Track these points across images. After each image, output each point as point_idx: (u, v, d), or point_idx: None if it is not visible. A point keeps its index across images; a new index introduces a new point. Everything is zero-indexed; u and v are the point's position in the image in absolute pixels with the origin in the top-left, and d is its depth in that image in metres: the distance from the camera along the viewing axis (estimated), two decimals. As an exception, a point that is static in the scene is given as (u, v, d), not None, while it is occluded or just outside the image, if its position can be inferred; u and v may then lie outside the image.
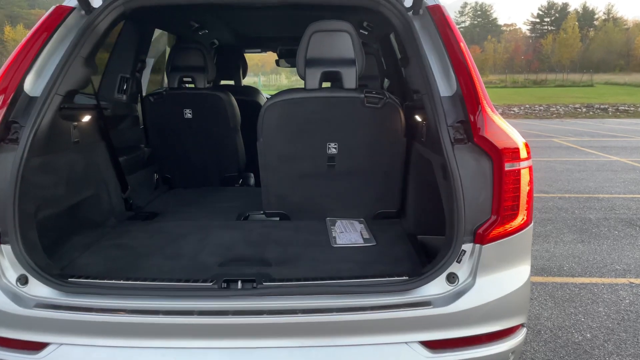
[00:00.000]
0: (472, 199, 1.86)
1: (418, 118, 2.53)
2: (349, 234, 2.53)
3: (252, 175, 4.11)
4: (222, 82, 5.16)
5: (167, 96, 3.52)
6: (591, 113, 23.90)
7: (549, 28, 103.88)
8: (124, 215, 2.89)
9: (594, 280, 4.04)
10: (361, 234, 2.53)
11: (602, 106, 26.20)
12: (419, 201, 2.60)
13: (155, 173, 3.58)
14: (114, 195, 2.82)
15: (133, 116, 3.42)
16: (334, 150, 2.62)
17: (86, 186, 2.57)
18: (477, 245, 1.88)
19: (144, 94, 3.65)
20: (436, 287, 1.89)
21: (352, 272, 2.04)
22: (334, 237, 2.48)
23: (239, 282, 1.89)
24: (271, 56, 5.74)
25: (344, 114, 2.56)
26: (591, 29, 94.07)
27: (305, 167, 2.67)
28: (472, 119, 1.88)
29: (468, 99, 1.91)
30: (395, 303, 1.85)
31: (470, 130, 1.88)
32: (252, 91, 5.11)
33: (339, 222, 2.72)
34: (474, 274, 1.90)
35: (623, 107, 25.63)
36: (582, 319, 3.37)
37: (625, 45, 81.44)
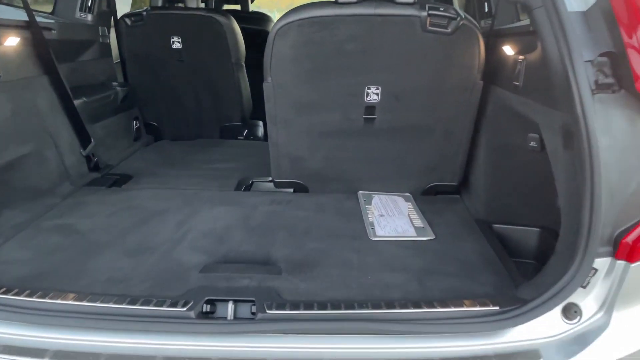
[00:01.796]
0: (618, 185, 1.14)
1: (508, 51, 1.74)
2: (392, 218, 1.83)
3: (260, 124, 3.37)
4: (226, 8, 4.33)
5: (149, 18, 2.75)
6: None
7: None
8: (84, 179, 2.21)
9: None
10: (410, 220, 1.82)
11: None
12: (496, 174, 1.86)
13: (134, 120, 2.86)
14: (66, 151, 2.13)
15: (101, 44, 2.66)
16: (374, 97, 1.86)
17: (17, 140, 1.87)
18: (620, 263, 1.19)
19: (119, 14, 2.88)
20: (545, 325, 1.23)
21: (408, 293, 1.36)
22: (372, 224, 1.78)
23: (230, 307, 1.23)
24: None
25: (394, 42, 1.78)
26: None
27: (332, 120, 1.92)
28: (630, 52, 1.12)
29: (623, 17, 1.14)
30: (481, 353, 1.19)
31: (624, 70, 1.12)
32: (262, 18, 4.26)
33: (376, 199, 2.01)
34: (608, 306, 1.22)
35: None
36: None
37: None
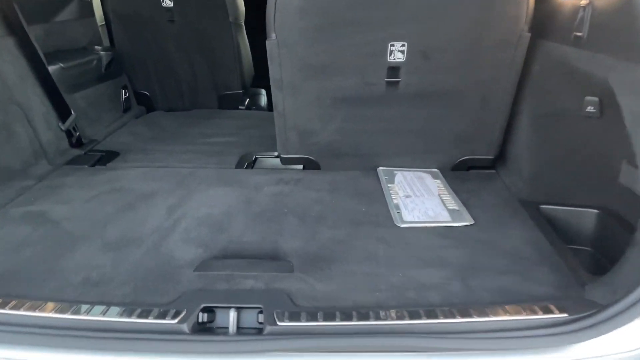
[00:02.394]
0: None
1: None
2: (421, 200, 1.57)
3: (263, 93, 3.09)
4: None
5: (135, -28, 2.45)
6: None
7: None
8: (65, 157, 1.95)
9: None
10: (442, 201, 1.56)
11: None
12: (542, 145, 1.60)
13: (122, 89, 2.58)
14: (41, 126, 1.86)
15: (81, 2, 2.36)
16: (399, 55, 1.58)
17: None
18: None
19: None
20: (628, 338, 0.98)
21: (450, 295, 1.11)
22: (397, 206, 1.53)
23: (232, 315, 1.00)
24: None
25: None
26: None
27: (347, 85, 1.65)
28: None
29: None
30: None
31: None
32: None
33: (399, 176, 1.76)
34: None
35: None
36: None
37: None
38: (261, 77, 3.79)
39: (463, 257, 1.26)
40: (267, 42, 1.60)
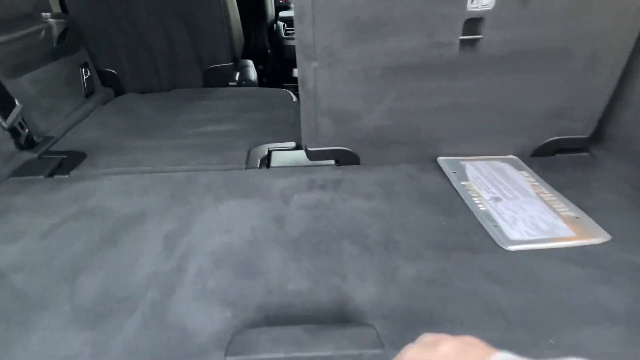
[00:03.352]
0: None
1: None
2: (517, 204, 1.15)
3: (250, 64, 2.60)
4: None
5: None
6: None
7: None
8: (10, 164, 1.46)
9: None
10: (547, 204, 1.15)
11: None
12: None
13: (82, 67, 2.06)
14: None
15: (17, -47, 1.82)
16: (485, 1, 1.13)
17: None
18: None
19: None
20: None
21: None
22: (490, 216, 1.10)
23: None
24: None
25: None
26: None
27: (407, 47, 1.18)
28: None
29: None
30: None
31: None
32: None
33: (471, 168, 1.33)
34: None
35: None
36: None
37: None
38: (253, 43, 3.28)
39: (626, 297, 0.85)
40: None
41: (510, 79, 1.24)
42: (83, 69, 2.04)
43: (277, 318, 0.86)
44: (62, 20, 1.89)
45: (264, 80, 3.14)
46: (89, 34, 2.12)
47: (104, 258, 1.02)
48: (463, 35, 1.15)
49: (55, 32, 1.84)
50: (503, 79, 1.24)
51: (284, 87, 2.24)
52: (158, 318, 0.86)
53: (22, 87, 1.62)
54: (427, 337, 0.54)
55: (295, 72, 3.32)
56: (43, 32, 1.77)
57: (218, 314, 0.86)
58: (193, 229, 1.11)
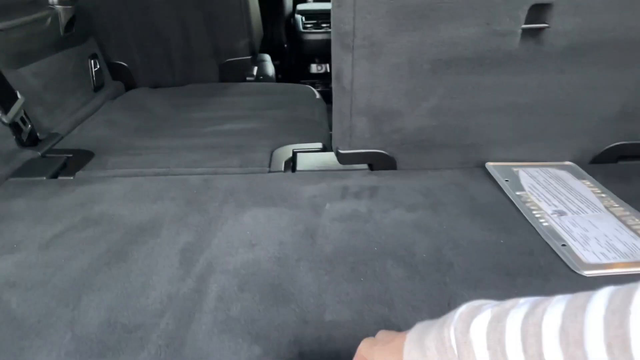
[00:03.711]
0: None
1: None
2: (584, 218, 1.00)
3: (268, 59, 2.46)
4: None
5: None
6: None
7: None
8: (11, 163, 1.33)
9: None
10: (620, 220, 1.00)
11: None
12: None
13: (91, 59, 1.93)
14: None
15: None
16: None
17: None
18: None
19: None
20: None
21: None
22: (554, 233, 0.96)
23: None
24: None
25: None
26: None
27: (463, 35, 1.03)
28: None
29: None
30: None
31: None
32: None
33: (525, 176, 1.18)
34: None
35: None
36: None
37: None
38: (270, 37, 3.13)
39: None
40: None
41: (575, 76, 1.09)
42: (92, 61, 1.92)
43: (313, 355, 0.73)
44: (70, 7, 1.76)
45: (280, 76, 3.01)
46: (98, 22, 2.00)
47: (111, 276, 0.89)
48: (525, 24, 1.01)
49: (62, 19, 1.71)
50: (566, 75, 1.09)
51: (302, 84, 2.12)
52: (174, 353, 0.72)
53: (24, 79, 1.50)
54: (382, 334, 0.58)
55: (314, 68, 3.18)
56: (49, 20, 1.64)
57: (245, 350, 0.72)
58: (213, 242, 0.98)
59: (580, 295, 0.38)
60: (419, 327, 0.49)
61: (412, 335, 0.49)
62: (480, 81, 1.09)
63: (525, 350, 0.38)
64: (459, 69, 1.07)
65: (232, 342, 0.74)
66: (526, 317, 0.39)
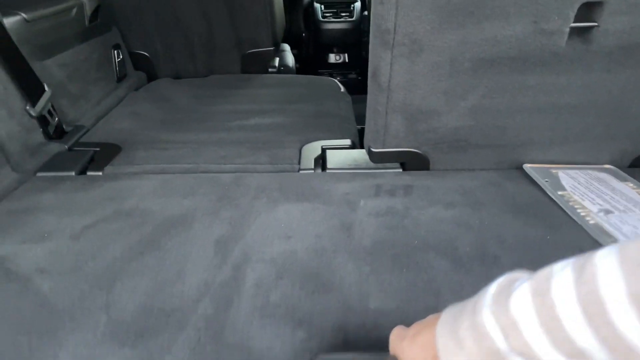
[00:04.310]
0: None
1: None
2: (633, 217, 0.98)
3: (288, 49, 2.44)
4: None
5: None
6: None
7: None
8: (38, 157, 1.33)
9: None
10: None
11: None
12: None
13: (114, 49, 1.92)
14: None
15: None
16: None
17: None
18: None
19: None
20: None
21: None
22: (602, 230, 0.93)
23: None
24: None
25: None
26: None
27: (508, 34, 1.00)
28: None
29: None
30: None
31: None
32: None
33: (566, 178, 1.16)
34: None
35: None
36: None
37: None
38: (292, 28, 3.09)
39: None
40: None
41: (621, 76, 1.06)
42: (115, 51, 1.91)
43: (359, 341, 0.72)
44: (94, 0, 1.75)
45: (297, 65, 2.98)
46: (120, 12, 1.98)
47: (145, 264, 0.88)
48: (574, 22, 0.98)
49: (87, 10, 1.70)
50: (612, 76, 1.06)
51: (319, 74, 2.08)
52: (215, 336, 0.72)
53: (50, 71, 1.49)
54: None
55: (332, 58, 3.15)
56: (75, 10, 1.63)
57: (288, 334, 0.72)
58: (247, 234, 0.97)
59: (631, 247, 0.33)
60: (446, 319, 0.46)
61: (442, 328, 0.45)
62: (522, 80, 1.07)
63: (589, 322, 0.34)
64: (501, 68, 1.04)
65: (274, 326, 0.73)
66: (577, 285, 0.35)
